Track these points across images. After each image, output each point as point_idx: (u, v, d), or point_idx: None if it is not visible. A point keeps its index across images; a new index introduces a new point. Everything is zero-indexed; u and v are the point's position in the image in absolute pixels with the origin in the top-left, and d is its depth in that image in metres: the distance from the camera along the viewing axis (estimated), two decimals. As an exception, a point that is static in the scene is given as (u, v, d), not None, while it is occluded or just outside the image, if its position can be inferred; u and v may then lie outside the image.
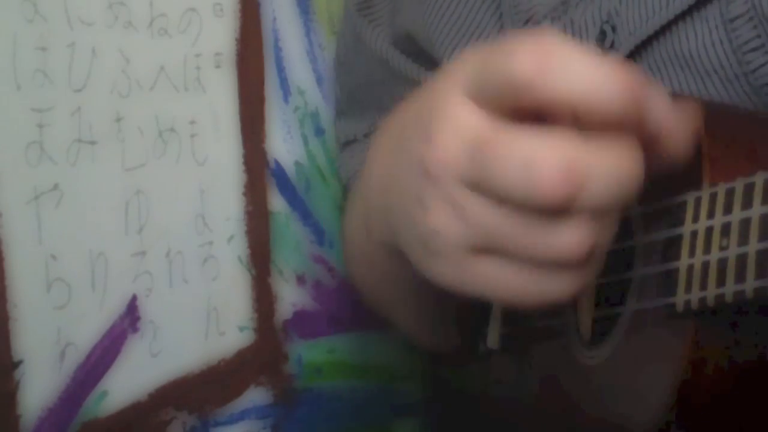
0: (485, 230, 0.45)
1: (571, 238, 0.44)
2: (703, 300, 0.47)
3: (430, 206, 0.47)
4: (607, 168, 0.43)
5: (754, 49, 0.56)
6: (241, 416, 0.80)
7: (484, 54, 0.46)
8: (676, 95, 0.58)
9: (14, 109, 0.66)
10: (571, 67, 0.43)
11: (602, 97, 0.43)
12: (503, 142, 0.44)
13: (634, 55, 0.61)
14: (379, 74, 0.81)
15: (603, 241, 0.45)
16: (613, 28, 0.62)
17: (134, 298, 0.73)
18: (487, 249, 0.46)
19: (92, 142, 0.71)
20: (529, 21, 0.69)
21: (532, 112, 0.45)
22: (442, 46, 0.75)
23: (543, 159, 0.43)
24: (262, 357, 0.81)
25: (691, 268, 0.48)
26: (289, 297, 0.84)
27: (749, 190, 0.45)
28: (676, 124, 0.46)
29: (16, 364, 0.67)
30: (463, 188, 0.45)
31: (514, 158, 0.43)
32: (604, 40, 0.63)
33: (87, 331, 0.71)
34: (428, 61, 0.77)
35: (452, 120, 0.45)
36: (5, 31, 0.66)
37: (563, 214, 0.44)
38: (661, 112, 0.45)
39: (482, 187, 0.45)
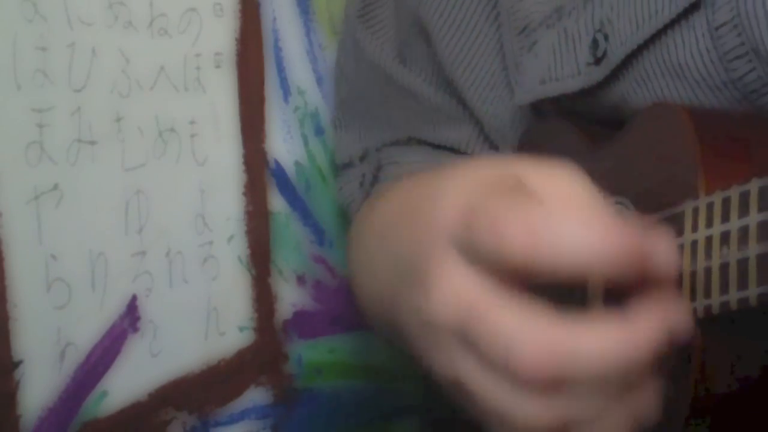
0: (468, 382, 0.48)
1: (532, 412, 0.46)
2: (708, 308, 0.47)
3: (428, 349, 0.50)
4: (588, 350, 0.44)
5: (738, 57, 0.56)
6: (241, 416, 0.80)
7: (468, 212, 0.47)
8: (666, 102, 0.59)
9: (14, 109, 0.66)
10: (564, 240, 0.44)
11: (599, 264, 0.44)
12: (490, 315, 0.46)
13: (626, 63, 0.61)
14: (378, 85, 0.80)
15: (582, 415, 0.46)
16: (606, 37, 0.62)
17: (134, 298, 0.73)
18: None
19: (92, 142, 0.71)
20: (525, 28, 0.69)
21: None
22: (443, 55, 0.75)
23: (523, 340, 0.44)
24: (262, 357, 0.81)
25: (693, 275, 0.48)
26: (289, 297, 0.84)
27: (745, 198, 0.45)
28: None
29: (16, 364, 0.67)
30: (455, 343, 0.48)
31: (498, 333, 0.45)
32: (597, 48, 0.63)
33: (87, 331, 0.71)
34: (422, 65, 0.77)
35: (445, 280, 0.48)
36: (5, 31, 0.66)
37: (528, 395, 0.45)
38: (664, 258, 0.45)
39: (472, 350, 0.47)
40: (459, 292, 0.47)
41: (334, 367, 0.87)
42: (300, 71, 0.84)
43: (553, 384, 0.44)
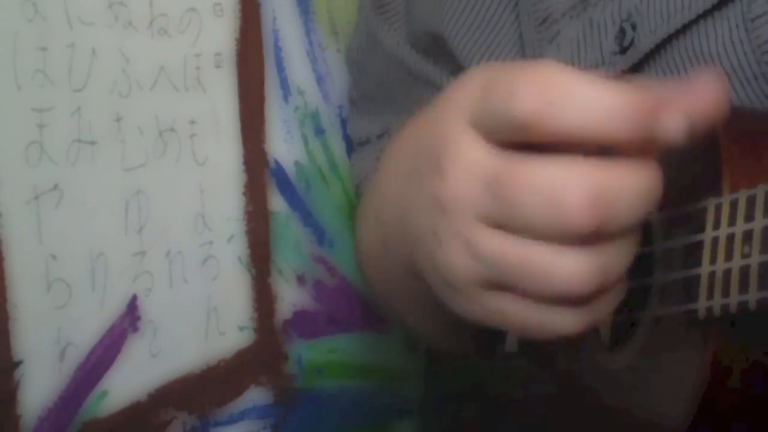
0: (496, 268, 0.46)
1: (571, 275, 0.44)
2: (725, 307, 0.46)
3: (444, 241, 0.47)
4: (629, 190, 0.44)
5: None
6: (241, 416, 0.80)
7: (486, 83, 0.46)
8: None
9: (14, 109, 0.66)
10: (575, 99, 0.43)
11: (610, 125, 0.43)
12: (522, 174, 0.44)
13: (653, 53, 0.61)
14: (394, 74, 0.81)
15: (614, 275, 0.45)
16: (633, 27, 0.62)
17: (134, 298, 0.73)
18: (499, 285, 0.47)
19: (92, 142, 0.71)
20: (546, 20, 0.69)
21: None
22: (459, 46, 0.74)
23: (568, 188, 0.43)
24: (262, 357, 0.81)
25: (712, 274, 0.47)
26: (289, 297, 0.83)
27: None
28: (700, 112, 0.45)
29: (16, 364, 0.67)
30: (476, 225, 0.46)
31: (536, 190, 0.43)
32: (624, 38, 0.62)
33: (87, 331, 0.71)
34: (444, 59, 0.77)
35: (463, 155, 0.46)
36: (5, 31, 0.66)
37: (570, 249, 0.44)
38: (677, 119, 0.44)
39: (502, 221, 0.45)
40: (477, 162, 0.45)
41: (334, 367, 0.87)
42: (300, 71, 0.84)
43: (600, 231, 0.43)
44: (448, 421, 0.76)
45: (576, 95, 0.43)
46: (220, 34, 0.78)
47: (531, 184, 0.44)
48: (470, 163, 0.45)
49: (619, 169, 0.44)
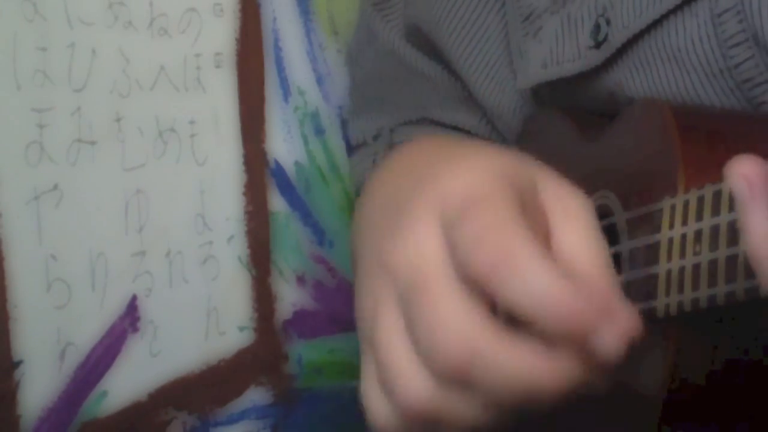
0: (382, 336, 0.49)
1: (415, 387, 0.47)
2: (680, 304, 0.47)
3: (369, 292, 0.51)
4: (503, 362, 0.45)
5: (737, 44, 0.56)
6: (241, 416, 0.80)
7: (469, 212, 0.47)
8: (652, 99, 0.59)
9: (14, 109, 0.66)
10: (525, 279, 0.44)
11: (548, 315, 0.44)
12: (433, 289, 0.47)
13: (626, 48, 0.62)
14: (389, 68, 0.81)
15: (451, 414, 0.47)
16: (607, 22, 0.63)
17: (134, 298, 0.73)
18: None
19: (92, 142, 0.71)
20: (530, 15, 0.69)
21: None
22: (448, 42, 0.75)
23: (443, 332, 0.45)
24: (262, 357, 0.81)
25: (669, 273, 0.48)
26: (289, 297, 0.83)
27: (717, 197, 0.45)
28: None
29: (16, 364, 0.67)
30: (391, 294, 0.49)
31: (432, 312, 0.46)
32: (598, 33, 0.63)
33: (87, 331, 0.71)
34: (439, 55, 0.77)
35: (415, 239, 0.48)
36: (5, 31, 0.66)
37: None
38: (608, 346, 0.44)
39: (405, 319, 0.48)
40: (420, 254, 0.48)
41: (334, 367, 0.87)
42: (300, 71, 0.84)
43: (454, 378, 0.45)
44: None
45: (528, 275, 0.44)
46: (220, 34, 0.78)
47: (432, 301, 0.46)
48: (415, 248, 0.48)
49: (509, 341, 0.45)
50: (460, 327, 0.45)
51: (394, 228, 0.50)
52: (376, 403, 0.50)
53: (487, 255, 0.45)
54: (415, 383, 0.47)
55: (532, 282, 0.44)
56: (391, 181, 0.59)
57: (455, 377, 0.46)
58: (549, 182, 0.50)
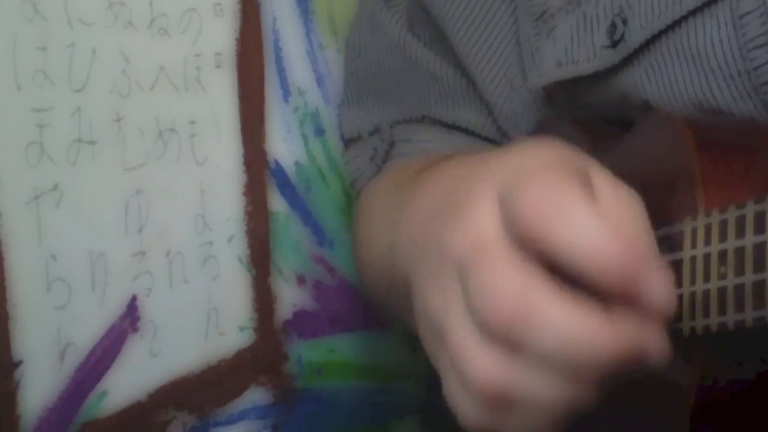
0: (446, 318, 0.48)
1: (485, 364, 0.45)
2: (707, 327, 0.47)
3: (433, 280, 0.49)
4: (553, 321, 0.43)
5: (759, 46, 0.56)
6: (241, 416, 0.80)
7: (528, 178, 0.46)
8: (667, 113, 0.58)
9: (14, 109, 0.66)
10: (573, 234, 0.43)
11: (598, 262, 0.43)
12: (488, 261, 0.45)
13: (643, 48, 0.61)
14: (392, 60, 0.81)
15: (526, 389, 0.45)
16: (624, 21, 0.62)
17: (134, 298, 0.73)
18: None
19: (92, 142, 0.71)
20: (543, 14, 0.69)
21: None
22: (456, 39, 0.75)
23: (496, 289, 0.44)
24: (262, 357, 0.81)
25: (693, 295, 0.48)
26: (289, 297, 0.84)
27: (741, 221, 0.44)
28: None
29: (16, 364, 0.67)
30: (452, 276, 0.47)
31: (483, 279, 0.45)
32: (615, 32, 0.63)
33: (87, 331, 0.71)
34: (445, 50, 0.77)
35: (477, 214, 0.47)
36: (5, 31, 0.66)
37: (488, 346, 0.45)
38: (655, 291, 0.44)
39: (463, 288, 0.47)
40: (477, 229, 0.46)
41: (334, 367, 0.87)
42: (300, 71, 0.84)
43: (512, 340, 0.44)
44: (450, 422, 0.76)
45: (574, 235, 0.43)
46: (220, 34, 0.78)
47: (484, 270, 0.45)
48: (476, 223, 0.47)
49: (558, 299, 0.44)
50: (513, 284, 0.44)
51: (452, 217, 0.49)
52: (459, 401, 0.48)
53: (541, 207, 0.43)
54: (482, 361, 0.45)
55: (582, 227, 0.43)
56: (439, 184, 0.58)
57: (511, 337, 0.44)
58: (602, 175, 0.48)
